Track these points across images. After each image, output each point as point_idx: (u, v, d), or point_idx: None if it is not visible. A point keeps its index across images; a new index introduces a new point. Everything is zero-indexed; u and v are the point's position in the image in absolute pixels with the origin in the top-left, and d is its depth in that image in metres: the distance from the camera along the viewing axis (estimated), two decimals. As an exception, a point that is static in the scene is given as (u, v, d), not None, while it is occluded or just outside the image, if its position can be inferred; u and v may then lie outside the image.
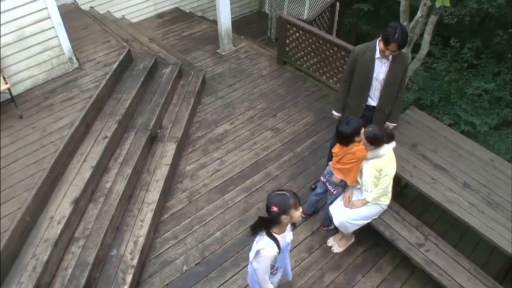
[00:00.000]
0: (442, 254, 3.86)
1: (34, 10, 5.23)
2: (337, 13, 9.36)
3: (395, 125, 4.36)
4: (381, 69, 4.00)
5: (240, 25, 10.07)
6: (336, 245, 4.50)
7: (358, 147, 3.79)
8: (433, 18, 4.66)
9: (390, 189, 3.91)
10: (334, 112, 4.58)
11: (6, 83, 4.94)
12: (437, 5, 4.23)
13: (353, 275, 4.29)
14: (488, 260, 4.37)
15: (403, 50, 4.91)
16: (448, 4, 4.19)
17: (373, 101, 4.22)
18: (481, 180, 4.12)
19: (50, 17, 5.44)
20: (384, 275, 4.29)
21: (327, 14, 9.03)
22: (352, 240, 4.52)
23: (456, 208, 3.82)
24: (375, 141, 3.62)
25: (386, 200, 3.97)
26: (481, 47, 7.14)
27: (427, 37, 4.81)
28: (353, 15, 10.72)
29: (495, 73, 6.99)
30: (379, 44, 3.90)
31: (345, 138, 3.83)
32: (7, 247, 3.67)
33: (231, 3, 7.55)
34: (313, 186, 5.12)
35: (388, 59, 3.94)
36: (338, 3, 9.25)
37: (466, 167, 4.23)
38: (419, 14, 4.53)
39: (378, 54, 3.93)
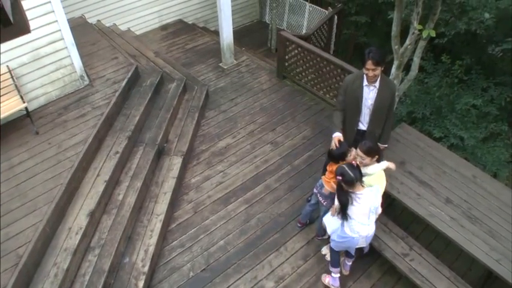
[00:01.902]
0: (424, 263, 4.25)
1: (48, 32, 5.60)
2: (335, 26, 9.74)
3: (386, 145, 4.73)
4: (369, 96, 4.34)
5: (241, 35, 10.44)
6: (329, 253, 4.87)
7: None
8: (421, 43, 5.02)
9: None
10: (338, 134, 4.53)
11: (24, 102, 5.31)
12: (424, 35, 4.61)
13: (345, 280, 4.66)
14: (471, 267, 4.73)
15: (394, 71, 5.30)
16: (433, 34, 4.57)
17: (363, 126, 4.58)
18: (463, 195, 4.48)
19: (63, 38, 5.82)
20: (372, 281, 4.68)
21: (325, 27, 9.40)
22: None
23: (438, 222, 4.19)
24: (371, 153, 3.95)
25: None
26: (470, 64, 7.50)
27: (416, 60, 5.16)
28: (351, 27, 11.06)
29: (484, 88, 7.35)
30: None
31: (334, 158, 4.25)
32: (31, 256, 4.06)
33: (232, 14, 7.88)
34: (309, 198, 5.48)
35: (375, 86, 4.27)
36: (336, 16, 9.64)
37: (449, 183, 4.59)
38: (407, 41, 4.87)
39: (365, 82, 4.27)
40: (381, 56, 4.08)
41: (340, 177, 3.71)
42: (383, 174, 4.09)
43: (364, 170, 3.97)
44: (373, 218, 3.99)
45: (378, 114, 4.43)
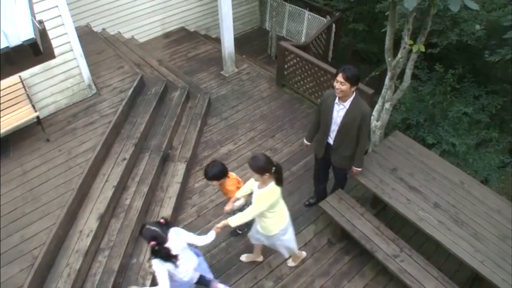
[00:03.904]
0: (414, 264, 4.51)
1: (59, 44, 5.88)
2: (333, 34, 10.02)
3: (360, 169, 4.89)
4: (338, 114, 4.58)
5: (242, 42, 10.69)
6: (291, 260, 5.11)
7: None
8: (413, 56, 5.27)
9: (274, 220, 4.15)
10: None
11: (36, 111, 5.60)
12: (414, 50, 4.88)
13: (340, 280, 4.95)
14: (459, 268, 5.00)
15: (388, 82, 5.57)
16: (422, 49, 4.84)
17: (332, 141, 4.86)
18: (451, 200, 4.75)
19: (72, 50, 6.12)
20: (366, 280, 4.96)
21: (324, 35, 9.69)
22: (304, 255, 5.15)
23: (426, 226, 4.47)
24: (257, 171, 3.75)
25: (280, 226, 4.25)
26: (463, 72, 7.76)
27: (408, 72, 5.40)
28: (349, 34, 11.33)
29: (475, 96, 7.61)
30: None
31: (206, 177, 4.52)
32: (45, 257, 4.34)
33: (233, 21, 8.15)
34: (306, 203, 5.76)
35: (344, 105, 4.49)
36: (334, 25, 9.92)
37: (438, 189, 4.87)
38: (399, 55, 5.13)
39: (337, 100, 4.51)
40: (354, 75, 4.25)
41: (154, 243, 3.50)
42: (269, 194, 3.89)
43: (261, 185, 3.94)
44: (188, 251, 3.94)
45: (343, 133, 4.66)
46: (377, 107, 5.86)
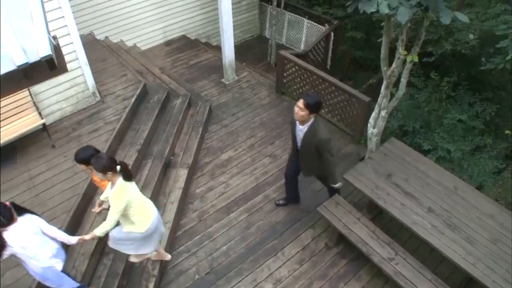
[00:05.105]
0: (408, 267, 4.66)
1: (65, 53, 5.97)
2: (331, 42, 10.21)
3: (335, 185, 5.09)
4: (298, 133, 4.85)
5: (242, 50, 10.83)
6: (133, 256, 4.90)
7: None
8: (408, 66, 5.44)
9: (138, 218, 4.07)
10: None
11: (42, 118, 5.77)
12: (408, 60, 5.06)
13: (337, 283, 5.09)
14: (453, 271, 5.14)
15: (383, 90, 5.73)
16: (416, 59, 5.02)
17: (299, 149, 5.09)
18: (444, 205, 4.90)
19: (77, 58, 6.30)
20: (362, 283, 5.10)
21: (322, 43, 9.88)
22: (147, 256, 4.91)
23: (420, 229, 4.62)
24: (102, 169, 3.70)
25: (138, 229, 4.15)
26: (458, 80, 7.95)
27: (403, 80, 5.56)
28: (347, 42, 11.53)
29: (470, 103, 7.81)
30: None
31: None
32: (52, 260, 4.48)
33: (233, 29, 8.30)
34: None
35: (302, 128, 4.72)
36: (333, 33, 10.11)
37: (432, 194, 5.02)
38: (394, 65, 5.31)
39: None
40: (314, 103, 4.45)
41: None
42: (122, 192, 3.84)
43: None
44: (43, 237, 3.77)
45: (304, 150, 4.95)
46: (373, 114, 6.03)
